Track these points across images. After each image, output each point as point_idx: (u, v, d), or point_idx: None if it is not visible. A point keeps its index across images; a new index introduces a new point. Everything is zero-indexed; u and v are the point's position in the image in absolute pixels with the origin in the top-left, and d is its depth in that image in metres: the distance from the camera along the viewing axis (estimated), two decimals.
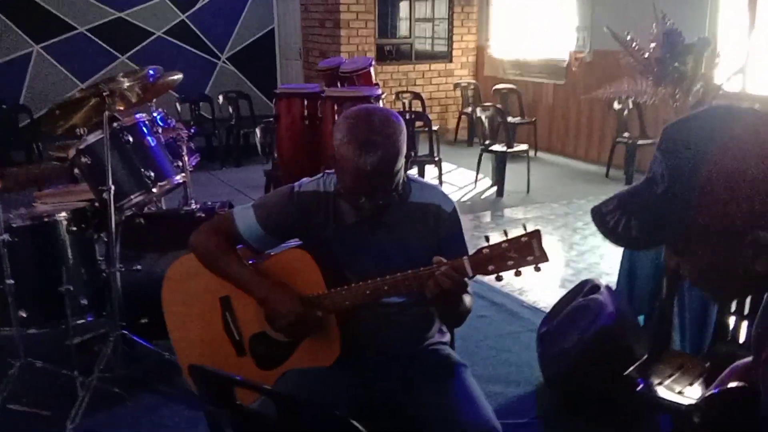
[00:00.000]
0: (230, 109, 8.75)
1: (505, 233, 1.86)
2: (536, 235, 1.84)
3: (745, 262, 0.98)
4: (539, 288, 4.55)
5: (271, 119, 6.08)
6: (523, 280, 4.64)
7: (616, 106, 7.33)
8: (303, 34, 10.15)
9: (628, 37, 3.41)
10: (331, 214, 2.05)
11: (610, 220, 1.05)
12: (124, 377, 3.17)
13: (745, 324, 2.40)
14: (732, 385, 1.19)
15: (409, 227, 2.04)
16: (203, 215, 3.53)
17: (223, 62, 9.95)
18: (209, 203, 3.73)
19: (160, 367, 3.27)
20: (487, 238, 1.87)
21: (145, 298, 3.11)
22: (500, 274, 1.86)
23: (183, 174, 3.57)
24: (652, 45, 3.34)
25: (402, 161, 1.95)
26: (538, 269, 1.84)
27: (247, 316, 2.13)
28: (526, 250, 1.83)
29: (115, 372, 3.16)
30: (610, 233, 1.05)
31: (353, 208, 2.01)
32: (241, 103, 8.93)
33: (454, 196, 7.00)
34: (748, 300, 2.26)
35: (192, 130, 3.79)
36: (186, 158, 3.63)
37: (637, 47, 3.34)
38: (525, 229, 1.85)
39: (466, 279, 1.89)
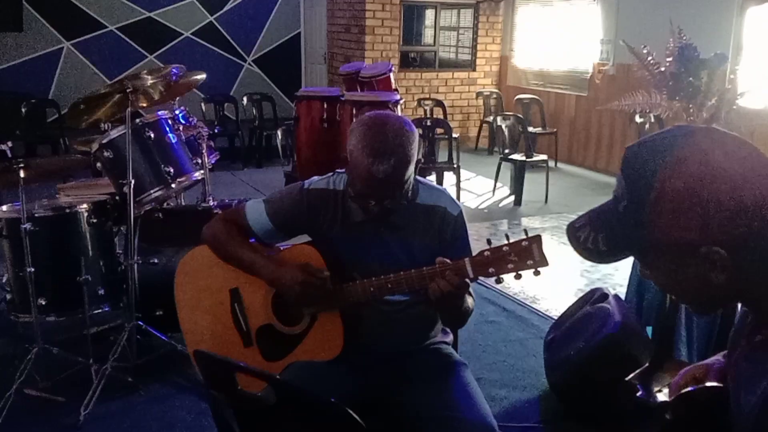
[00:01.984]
0: (254, 111, 8.87)
1: (507, 237, 1.91)
2: (537, 239, 1.88)
3: (702, 275, 1.04)
4: (553, 296, 4.58)
5: (292, 121, 6.16)
6: (537, 289, 4.67)
7: (638, 119, 7.32)
8: (328, 39, 10.25)
9: (644, 51, 3.44)
10: (339, 212, 2.10)
11: (580, 235, 1.13)
12: (137, 367, 3.25)
13: None
14: (708, 384, 1.23)
15: (415, 228, 2.09)
16: (220, 212, 3.60)
17: (249, 64, 10.09)
18: (227, 200, 3.81)
19: (172, 358, 3.36)
20: (488, 242, 1.92)
21: (161, 291, 3.18)
22: (500, 276, 1.91)
23: (202, 171, 3.65)
24: (668, 59, 3.36)
25: (412, 168, 2.00)
26: (537, 273, 1.88)
27: (255, 308, 2.19)
28: (526, 254, 1.87)
29: (129, 361, 3.25)
30: (581, 247, 1.13)
31: (361, 209, 2.06)
32: (265, 105, 9.05)
33: (472, 204, 7.05)
34: None
35: (216, 130, 3.86)
36: (205, 155, 3.71)
37: (652, 61, 3.37)
38: (526, 234, 1.90)
39: (467, 280, 1.94)
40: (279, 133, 6.70)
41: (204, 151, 3.72)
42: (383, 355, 2.13)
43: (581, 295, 4.27)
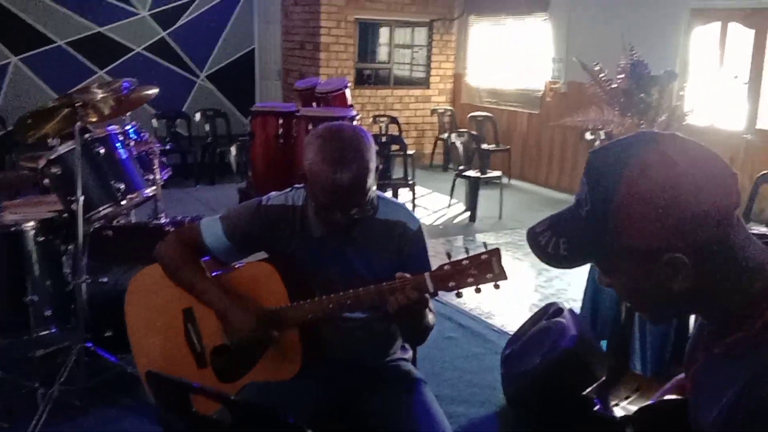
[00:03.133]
0: (207, 127, 8.76)
1: (467, 251, 1.90)
2: (496, 253, 1.87)
3: (663, 282, 1.03)
4: (507, 312, 4.59)
5: (247, 137, 6.11)
6: (491, 304, 4.68)
7: (588, 136, 7.45)
8: (283, 56, 10.21)
9: (597, 68, 3.50)
10: (298, 228, 2.07)
11: (541, 240, 1.12)
12: (86, 390, 3.14)
13: None
14: (668, 397, 1.23)
15: (375, 243, 2.07)
16: (172, 229, 3.52)
17: (202, 80, 9.97)
18: (179, 217, 3.73)
19: (122, 380, 3.25)
20: (448, 255, 1.90)
21: (111, 310, 3.08)
22: (460, 290, 1.89)
23: (154, 187, 3.57)
24: (620, 76, 3.42)
25: (373, 176, 1.98)
26: (497, 287, 1.87)
27: (209, 328, 2.13)
28: (486, 268, 1.86)
29: (77, 384, 3.14)
30: (542, 252, 1.12)
31: (321, 223, 2.03)
32: (218, 121, 8.94)
33: (428, 220, 7.06)
34: None
35: (168, 146, 3.79)
36: (157, 172, 3.64)
37: (604, 78, 3.43)
38: (485, 248, 1.89)
39: (427, 295, 1.92)
40: (233, 149, 6.64)
41: (156, 167, 3.64)
42: (342, 372, 2.10)
43: (536, 310, 4.31)
